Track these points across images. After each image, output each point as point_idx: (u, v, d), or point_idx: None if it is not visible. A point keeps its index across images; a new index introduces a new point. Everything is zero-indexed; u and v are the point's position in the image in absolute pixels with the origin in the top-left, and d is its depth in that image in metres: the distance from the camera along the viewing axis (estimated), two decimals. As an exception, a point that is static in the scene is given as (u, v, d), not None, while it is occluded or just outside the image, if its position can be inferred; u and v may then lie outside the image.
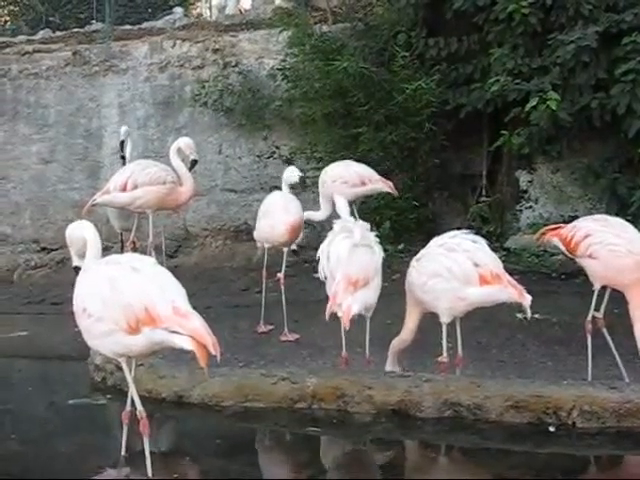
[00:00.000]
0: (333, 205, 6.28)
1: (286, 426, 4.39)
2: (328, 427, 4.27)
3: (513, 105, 7.18)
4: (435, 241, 4.50)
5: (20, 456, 4.19)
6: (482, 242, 4.41)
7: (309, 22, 8.38)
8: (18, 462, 4.09)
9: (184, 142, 6.68)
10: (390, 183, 6.80)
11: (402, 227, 7.83)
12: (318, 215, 6.58)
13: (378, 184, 6.68)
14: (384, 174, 7.59)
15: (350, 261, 4.37)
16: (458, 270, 4.26)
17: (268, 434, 4.47)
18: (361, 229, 4.54)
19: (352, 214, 6.11)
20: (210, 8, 12.63)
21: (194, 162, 6.73)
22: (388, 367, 4.61)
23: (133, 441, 3.67)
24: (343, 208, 4.86)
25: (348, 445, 4.27)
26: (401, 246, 7.59)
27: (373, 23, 8.29)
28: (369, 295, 4.39)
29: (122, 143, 7.51)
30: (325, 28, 8.48)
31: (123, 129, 7.65)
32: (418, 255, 4.52)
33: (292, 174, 5.99)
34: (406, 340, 4.57)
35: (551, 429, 4.00)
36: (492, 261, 4.31)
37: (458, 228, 4.60)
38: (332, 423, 4.27)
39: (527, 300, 4.21)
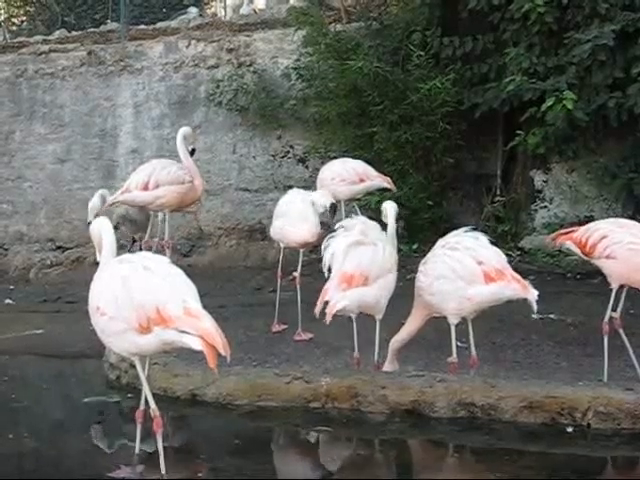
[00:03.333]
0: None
1: (299, 425, 4.40)
2: (341, 427, 4.27)
3: (529, 105, 7.14)
4: (439, 243, 4.49)
5: (35, 454, 4.22)
6: (483, 238, 4.37)
7: (324, 21, 8.37)
8: (32, 460, 4.12)
9: (186, 130, 6.62)
10: (388, 179, 6.69)
11: (416, 227, 7.82)
12: None
13: (376, 180, 6.60)
14: (398, 174, 7.60)
15: (347, 257, 4.31)
16: (462, 269, 4.23)
17: (282, 433, 4.47)
18: (363, 226, 4.48)
19: (355, 213, 6.12)
20: (225, 8, 12.64)
21: (193, 150, 6.72)
22: (387, 367, 4.55)
23: (147, 439, 3.68)
24: (391, 213, 4.66)
25: (361, 445, 4.26)
26: (415, 246, 7.57)
27: (388, 22, 8.28)
28: (368, 294, 4.31)
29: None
30: (340, 27, 8.47)
31: (98, 194, 6.88)
32: (424, 259, 4.50)
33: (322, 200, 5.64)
34: (404, 339, 4.53)
35: (568, 429, 3.98)
36: (495, 256, 4.28)
37: (474, 229, 4.57)
38: (345, 423, 4.27)
39: (532, 294, 4.16)
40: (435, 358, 4.84)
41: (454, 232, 4.52)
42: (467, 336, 4.39)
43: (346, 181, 6.49)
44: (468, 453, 4.08)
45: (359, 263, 4.30)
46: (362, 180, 6.54)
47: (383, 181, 6.65)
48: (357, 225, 4.48)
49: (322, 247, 4.53)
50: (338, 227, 4.59)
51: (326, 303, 4.23)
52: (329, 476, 3.93)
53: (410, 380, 4.34)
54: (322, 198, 5.62)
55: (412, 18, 8.00)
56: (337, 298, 4.20)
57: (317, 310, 4.26)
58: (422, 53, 7.61)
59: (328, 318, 4.17)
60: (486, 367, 4.63)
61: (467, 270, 4.22)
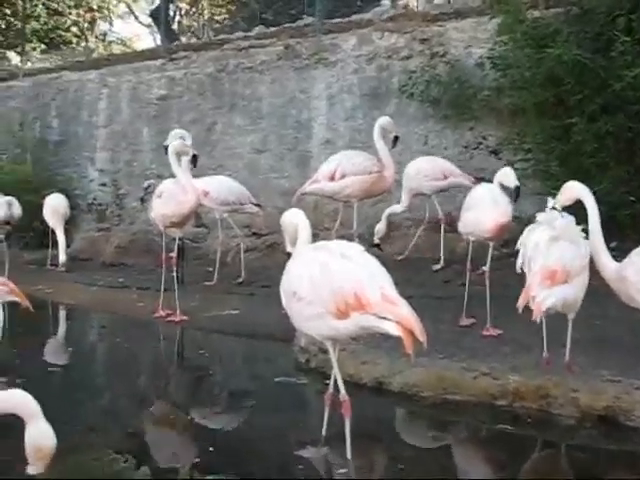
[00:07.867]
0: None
1: (485, 422, 4.33)
2: (528, 427, 4.15)
3: None
4: None
5: (228, 427, 4.50)
6: None
7: (521, 8, 8.10)
8: (225, 432, 4.39)
9: (386, 120, 7.10)
10: (471, 177, 7.36)
11: (615, 223, 7.37)
12: (398, 208, 7.56)
13: (459, 178, 7.36)
14: (597, 167, 7.22)
15: (549, 253, 4.19)
16: None
17: (465, 428, 4.42)
18: (564, 222, 4.33)
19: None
20: (418, -2, 12.62)
21: (396, 139, 7.01)
22: None
23: (333, 422, 3.79)
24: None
25: (546, 448, 4.11)
26: (613, 244, 7.13)
27: (589, 7, 7.84)
28: (569, 292, 4.16)
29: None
30: (537, 14, 8.15)
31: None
32: (638, 249, 4.26)
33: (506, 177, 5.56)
34: None
35: None
36: None
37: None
38: (531, 423, 4.15)
39: None
40: (633, 364, 4.56)
41: None
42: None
43: (429, 177, 7.35)
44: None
45: (562, 258, 4.18)
46: (446, 177, 7.41)
47: (465, 179, 7.32)
48: (558, 220, 4.33)
49: (519, 241, 4.43)
50: (537, 220, 4.47)
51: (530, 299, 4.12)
52: (507, 478, 3.82)
53: (604, 385, 4.14)
54: (507, 177, 5.54)
55: (616, 2, 7.53)
56: (544, 295, 4.08)
57: (520, 305, 4.15)
58: (627, 38, 7.16)
59: (537, 316, 4.05)
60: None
61: None
